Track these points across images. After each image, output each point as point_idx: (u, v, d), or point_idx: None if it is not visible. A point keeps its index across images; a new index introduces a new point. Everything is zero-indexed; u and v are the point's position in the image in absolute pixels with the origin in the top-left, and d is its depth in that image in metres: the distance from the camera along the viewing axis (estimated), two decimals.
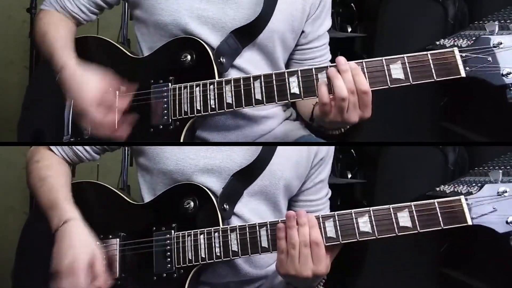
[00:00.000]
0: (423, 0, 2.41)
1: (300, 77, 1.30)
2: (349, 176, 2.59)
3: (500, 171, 1.23)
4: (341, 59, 1.26)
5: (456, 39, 2.17)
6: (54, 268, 1.28)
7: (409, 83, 1.25)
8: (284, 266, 1.24)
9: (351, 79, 1.24)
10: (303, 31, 1.51)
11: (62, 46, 1.44)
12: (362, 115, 1.25)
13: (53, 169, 1.45)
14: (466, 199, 1.21)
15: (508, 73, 1.20)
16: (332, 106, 1.25)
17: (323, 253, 1.23)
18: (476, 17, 2.22)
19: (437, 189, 2.26)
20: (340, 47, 2.53)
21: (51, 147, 1.48)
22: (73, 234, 1.30)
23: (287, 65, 1.56)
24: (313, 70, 1.29)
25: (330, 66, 1.27)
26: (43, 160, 1.46)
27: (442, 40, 2.24)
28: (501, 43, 1.21)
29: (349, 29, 2.61)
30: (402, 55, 1.26)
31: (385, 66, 1.26)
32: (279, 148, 1.41)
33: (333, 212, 1.27)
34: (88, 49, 1.48)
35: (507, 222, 1.18)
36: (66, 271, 1.26)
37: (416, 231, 1.22)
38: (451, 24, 2.35)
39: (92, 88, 1.35)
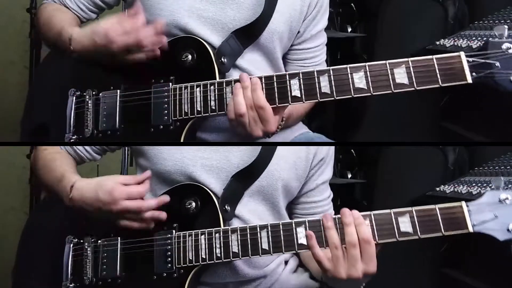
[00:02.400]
0: (423, 0, 2.41)
1: (301, 80, 1.28)
2: (349, 176, 2.59)
3: (502, 178, 1.22)
4: (243, 76, 1.30)
5: (456, 39, 2.17)
6: (105, 209, 1.32)
7: (413, 88, 1.22)
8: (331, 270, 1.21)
9: (249, 95, 1.28)
10: (298, 31, 1.51)
11: (70, 23, 1.47)
12: (264, 129, 1.29)
13: (58, 153, 1.49)
14: (467, 205, 1.21)
15: None
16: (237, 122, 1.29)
17: (373, 251, 1.20)
18: (476, 17, 2.22)
19: (437, 189, 2.26)
20: (340, 47, 2.54)
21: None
22: (85, 188, 1.35)
23: None
24: (315, 72, 1.29)
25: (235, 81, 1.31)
26: (49, 148, 1.50)
27: (442, 40, 2.24)
28: (510, 48, 1.17)
29: (349, 29, 2.61)
30: (406, 59, 1.23)
31: (388, 70, 1.23)
32: (277, 148, 1.41)
33: (334, 216, 1.27)
34: None
35: (508, 230, 1.18)
36: (109, 200, 1.31)
37: (417, 237, 1.22)
38: (451, 24, 2.35)
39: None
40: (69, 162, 1.48)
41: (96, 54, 1.39)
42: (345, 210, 1.23)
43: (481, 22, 2.15)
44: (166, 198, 1.36)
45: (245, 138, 1.34)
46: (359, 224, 1.21)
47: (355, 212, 1.23)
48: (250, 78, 1.29)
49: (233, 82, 1.33)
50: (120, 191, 1.32)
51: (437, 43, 2.25)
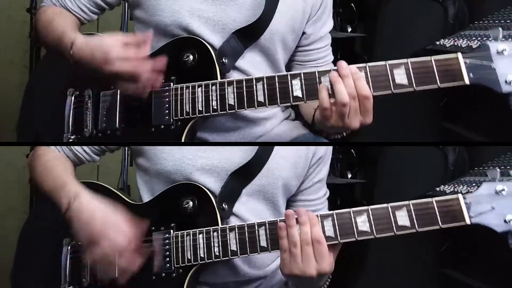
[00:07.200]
0: (423, 0, 2.42)
1: (303, 80, 1.28)
2: (349, 176, 2.59)
3: (498, 169, 1.22)
4: (342, 63, 1.23)
5: (456, 39, 2.17)
6: (86, 238, 1.26)
7: (412, 89, 1.22)
8: (287, 266, 1.22)
9: (352, 84, 1.21)
10: (304, 33, 1.51)
11: (72, 28, 1.44)
12: (363, 121, 1.23)
13: (58, 160, 1.46)
14: (464, 198, 1.21)
15: None
16: (333, 111, 1.22)
17: (325, 251, 1.21)
18: (476, 17, 2.22)
19: (437, 189, 2.26)
20: (340, 47, 2.53)
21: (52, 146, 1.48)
22: (89, 203, 1.30)
23: (289, 67, 1.55)
24: (316, 73, 1.27)
25: (333, 70, 1.25)
26: (47, 153, 1.47)
27: (442, 40, 2.24)
28: (505, 50, 1.18)
29: (349, 29, 2.61)
30: (405, 60, 1.23)
31: (388, 71, 1.23)
32: (277, 147, 1.41)
33: (331, 211, 1.26)
34: None
35: (505, 221, 1.18)
36: (101, 233, 1.25)
37: (415, 230, 1.21)
38: (451, 24, 2.35)
39: None
40: (68, 170, 1.44)
41: (91, 66, 1.33)
42: (301, 210, 1.24)
43: (481, 22, 2.15)
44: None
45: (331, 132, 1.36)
46: (313, 224, 1.22)
47: (309, 212, 1.24)
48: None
49: (235, 82, 1.32)
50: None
51: (437, 43, 2.25)
